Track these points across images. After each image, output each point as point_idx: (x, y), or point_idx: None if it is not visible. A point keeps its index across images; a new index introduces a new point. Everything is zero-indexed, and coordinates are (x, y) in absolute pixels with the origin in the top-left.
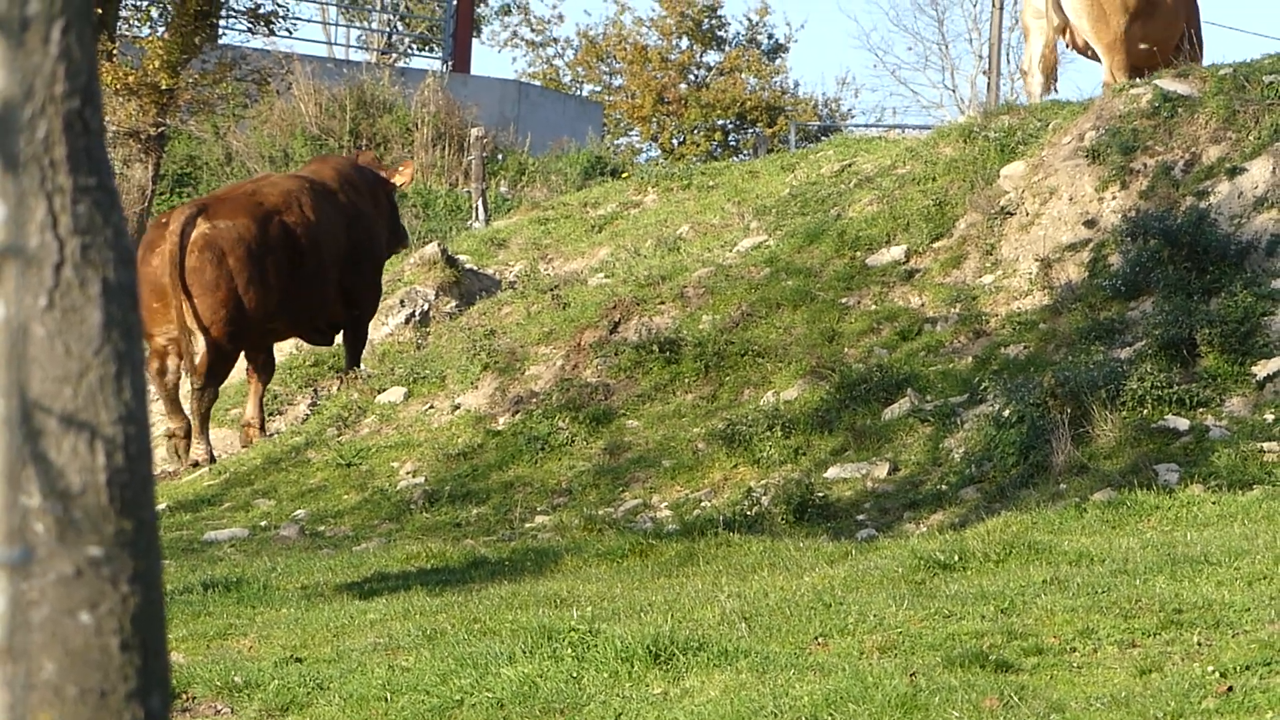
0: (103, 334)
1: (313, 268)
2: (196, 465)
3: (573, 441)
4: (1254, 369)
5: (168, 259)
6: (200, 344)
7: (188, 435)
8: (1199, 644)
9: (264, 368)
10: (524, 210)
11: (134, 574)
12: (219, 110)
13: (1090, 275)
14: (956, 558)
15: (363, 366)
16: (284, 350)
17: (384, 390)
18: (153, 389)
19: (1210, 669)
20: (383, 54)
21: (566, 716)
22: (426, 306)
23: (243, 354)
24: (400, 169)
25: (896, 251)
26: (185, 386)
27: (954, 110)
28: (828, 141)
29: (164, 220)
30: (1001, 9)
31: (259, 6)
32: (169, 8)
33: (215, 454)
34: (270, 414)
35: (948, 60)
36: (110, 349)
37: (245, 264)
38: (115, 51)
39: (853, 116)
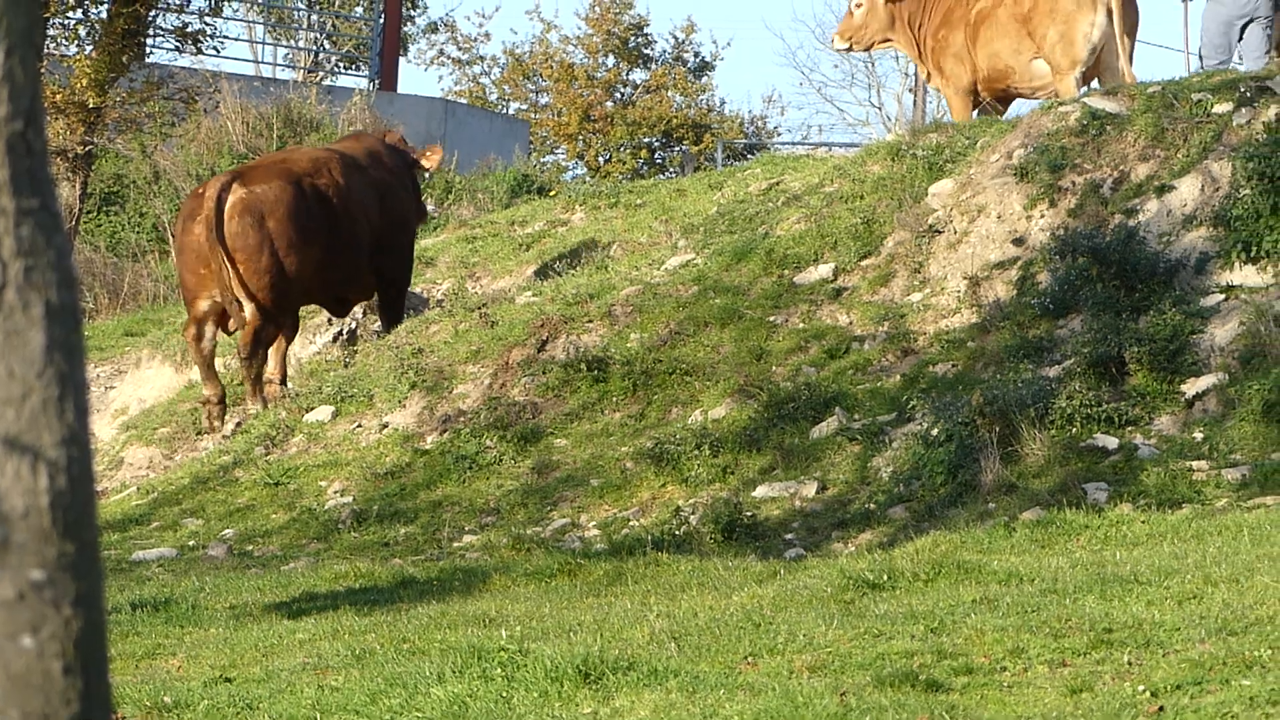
0: (45, 356)
1: (346, 233)
2: (239, 425)
3: (501, 460)
4: (1183, 387)
5: (206, 225)
6: (249, 310)
7: (221, 402)
8: (1129, 663)
9: (291, 325)
10: (451, 229)
11: (76, 597)
12: (146, 129)
13: (1019, 293)
14: (885, 577)
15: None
16: None
17: (312, 409)
18: (189, 354)
19: (1141, 688)
20: (309, 72)
21: None
22: (354, 325)
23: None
24: (428, 151)
25: (824, 269)
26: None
27: (881, 128)
28: (755, 160)
29: (200, 190)
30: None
31: (186, 25)
32: (96, 26)
33: (222, 426)
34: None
35: (874, 77)
36: (53, 371)
37: (286, 226)
38: (43, 70)
39: (779, 134)
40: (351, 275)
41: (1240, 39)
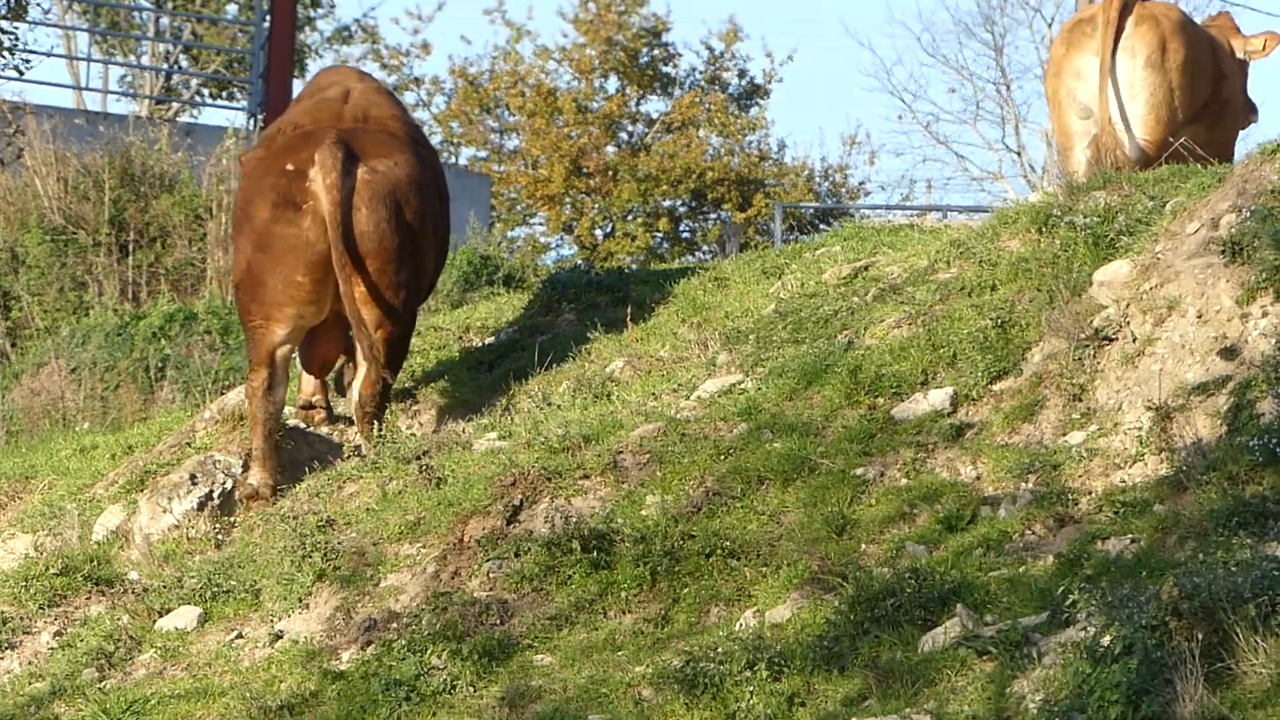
0: None
1: (441, 220)
2: (314, 408)
3: (454, 687)
4: None
5: (332, 226)
6: (379, 331)
7: (273, 494)
8: None
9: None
10: None
11: None
12: None
13: (1230, 432)
14: None
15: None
16: (17, 553)
17: (168, 611)
18: (249, 409)
19: None
20: (159, 103)
21: None
22: (230, 484)
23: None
24: None
25: (938, 397)
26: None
27: (1021, 184)
28: (831, 232)
29: (287, 164)
30: None
31: None
32: None
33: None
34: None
35: (1010, 108)
36: None
37: (421, 218)
38: None
39: (868, 193)
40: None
41: None
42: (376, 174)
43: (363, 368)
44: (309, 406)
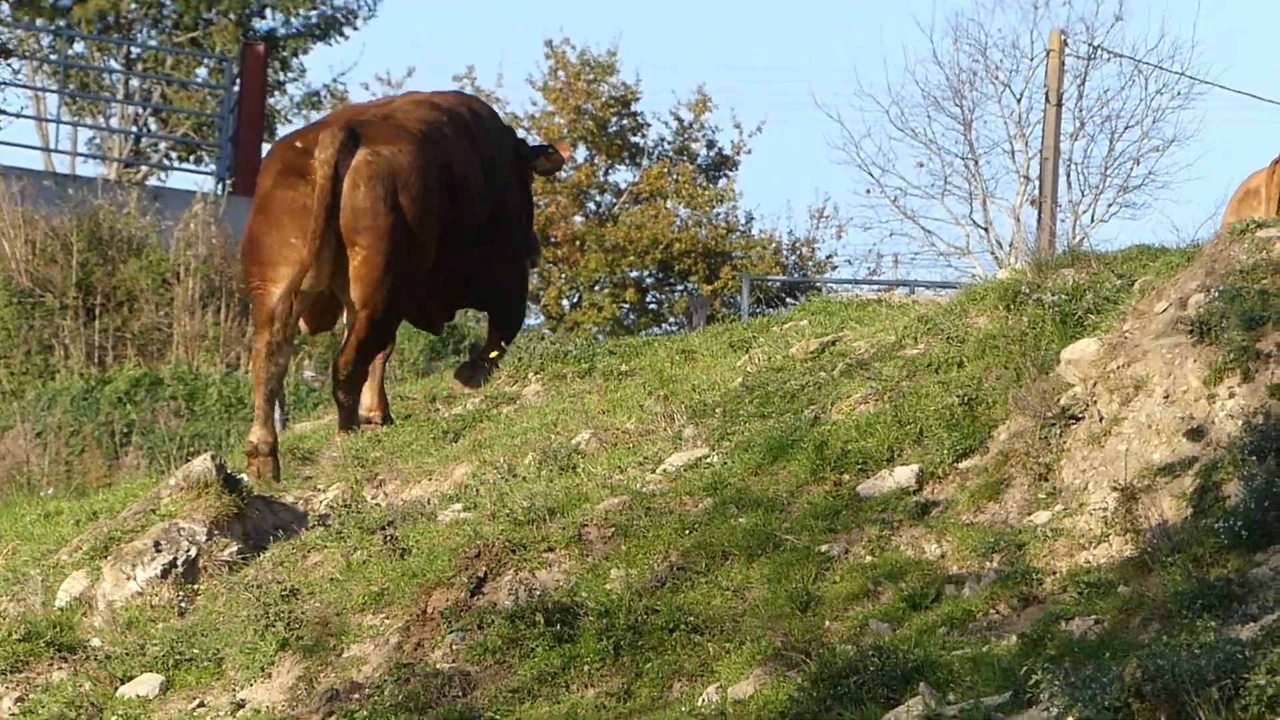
0: None
1: (467, 219)
2: (370, 422)
3: None
4: None
5: (319, 195)
6: (363, 310)
7: (273, 454)
8: None
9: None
10: None
11: None
12: None
13: (1196, 513)
14: None
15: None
16: None
17: (130, 678)
18: (252, 368)
19: None
20: (128, 166)
21: None
22: (194, 552)
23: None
24: (550, 149)
25: (904, 474)
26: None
27: (988, 260)
28: (799, 306)
29: (296, 142)
30: (1060, 105)
31: None
32: None
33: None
34: None
35: (978, 183)
36: None
37: (420, 204)
38: None
39: (835, 267)
40: (467, 275)
41: None
42: (379, 156)
43: (347, 337)
44: (367, 421)
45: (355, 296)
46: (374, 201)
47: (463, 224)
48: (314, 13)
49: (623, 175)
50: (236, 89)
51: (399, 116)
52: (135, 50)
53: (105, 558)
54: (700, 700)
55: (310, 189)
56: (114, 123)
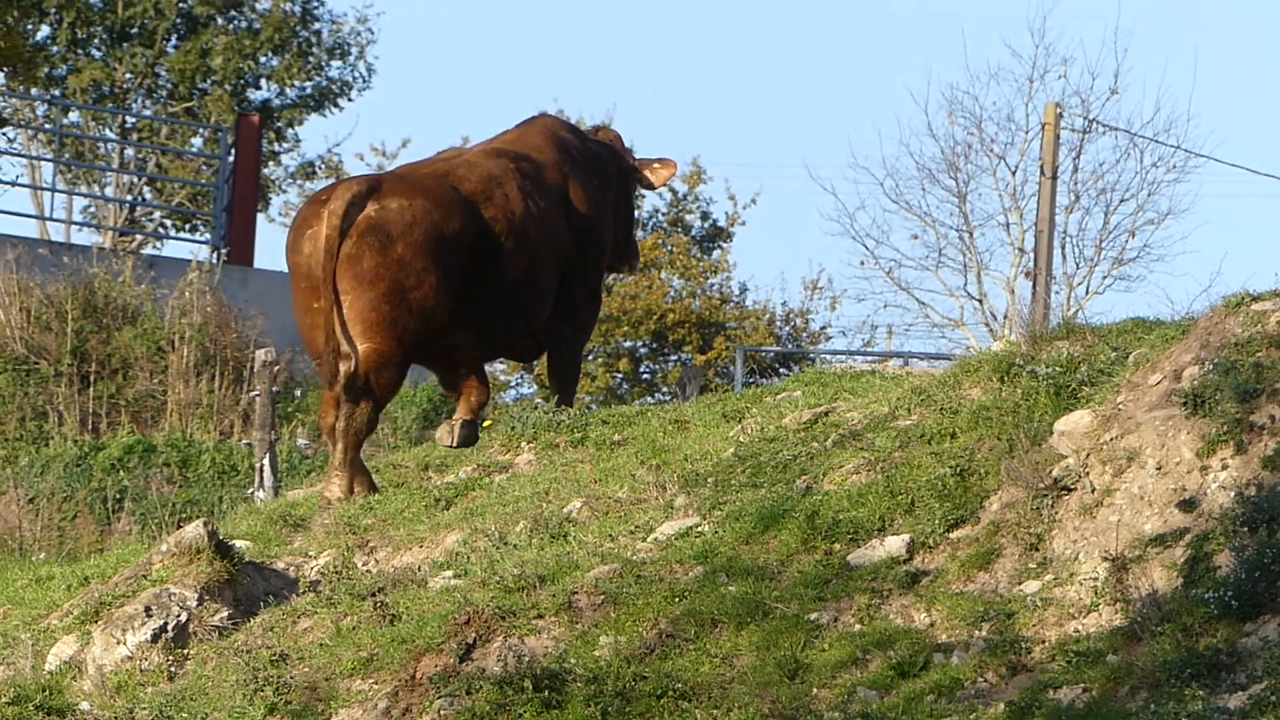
0: None
1: (518, 273)
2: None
3: None
4: None
5: (322, 245)
6: (352, 353)
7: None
8: None
9: (477, 388)
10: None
11: None
12: None
13: (1186, 584)
14: None
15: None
16: None
17: None
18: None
19: None
20: (123, 235)
21: None
22: (185, 617)
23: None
24: (656, 164)
25: (895, 544)
26: None
27: (982, 332)
28: (792, 377)
29: (323, 196)
30: (1055, 178)
31: None
32: None
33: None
34: None
35: (972, 255)
36: None
37: (418, 255)
38: None
39: (829, 338)
40: (527, 321)
41: None
42: (383, 210)
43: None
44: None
45: (346, 334)
46: (360, 250)
47: (520, 271)
48: (309, 84)
49: None
50: (231, 159)
51: (446, 168)
52: (130, 120)
53: (96, 622)
54: None
55: (309, 245)
56: (109, 191)
